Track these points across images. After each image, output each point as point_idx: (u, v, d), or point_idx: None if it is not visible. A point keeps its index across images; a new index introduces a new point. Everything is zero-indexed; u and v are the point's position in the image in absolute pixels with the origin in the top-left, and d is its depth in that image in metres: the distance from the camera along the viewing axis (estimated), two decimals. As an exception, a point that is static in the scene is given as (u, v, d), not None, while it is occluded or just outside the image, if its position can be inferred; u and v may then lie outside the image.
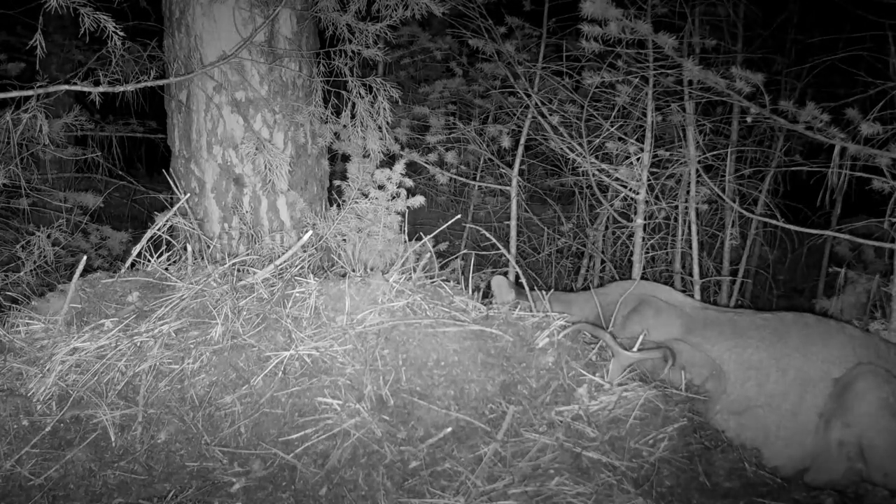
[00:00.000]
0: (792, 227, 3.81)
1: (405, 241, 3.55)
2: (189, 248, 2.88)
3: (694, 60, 3.50)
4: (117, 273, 2.80)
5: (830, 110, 3.24)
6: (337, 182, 3.84)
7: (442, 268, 3.60)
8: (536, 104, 4.21)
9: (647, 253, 4.40)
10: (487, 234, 3.25)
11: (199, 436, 2.21)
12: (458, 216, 3.31)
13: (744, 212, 4.13)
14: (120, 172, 5.83)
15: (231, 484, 2.07)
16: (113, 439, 2.18)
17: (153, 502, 2.04)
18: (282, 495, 2.05)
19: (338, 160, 4.35)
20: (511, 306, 3.03)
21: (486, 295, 3.12)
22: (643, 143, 3.99)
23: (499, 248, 3.33)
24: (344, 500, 2.04)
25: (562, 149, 4.25)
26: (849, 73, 4.37)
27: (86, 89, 2.30)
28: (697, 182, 4.28)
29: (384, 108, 3.55)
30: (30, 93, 2.19)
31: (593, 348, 2.75)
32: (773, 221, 3.95)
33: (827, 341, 2.71)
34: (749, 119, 3.95)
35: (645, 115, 3.98)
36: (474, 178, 5.58)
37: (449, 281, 2.92)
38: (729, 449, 2.46)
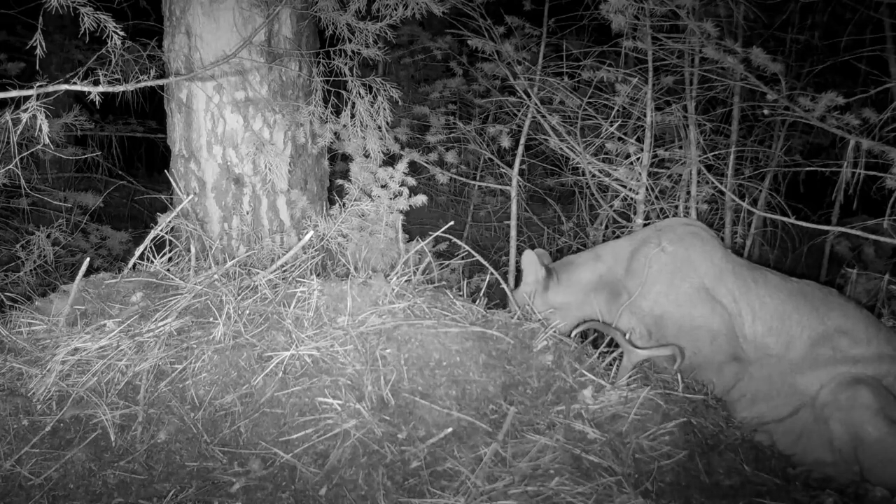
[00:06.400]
0: (802, 224, 3.81)
1: (405, 243, 3.55)
2: (192, 248, 2.89)
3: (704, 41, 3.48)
4: (120, 273, 2.80)
5: (834, 108, 3.27)
6: (339, 181, 3.84)
7: (442, 269, 3.60)
8: (535, 104, 4.20)
9: (647, 252, 4.38)
10: (462, 244, 3.29)
11: (199, 435, 2.21)
12: (451, 223, 3.34)
13: (751, 208, 4.12)
14: (120, 172, 5.83)
15: (231, 484, 2.07)
16: (113, 439, 2.18)
17: (153, 502, 2.03)
18: (282, 495, 2.05)
19: (338, 160, 4.35)
20: (539, 284, 3.04)
21: (487, 296, 3.13)
22: (643, 142, 3.98)
23: (485, 255, 3.37)
24: (344, 499, 2.04)
25: (561, 149, 4.24)
26: (849, 74, 4.37)
27: (85, 89, 2.29)
28: (698, 182, 4.27)
29: (384, 108, 3.54)
30: (30, 92, 2.19)
31: (593, 348, 2.76)
32: (781, 218, 3.95)
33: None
34: (766, 111, 3.92)
35: (644, 114, 3.98)
36: (474, 178, 5.58)
37: (449, 282, 2.93)
38: (728, 449, 2.46)
